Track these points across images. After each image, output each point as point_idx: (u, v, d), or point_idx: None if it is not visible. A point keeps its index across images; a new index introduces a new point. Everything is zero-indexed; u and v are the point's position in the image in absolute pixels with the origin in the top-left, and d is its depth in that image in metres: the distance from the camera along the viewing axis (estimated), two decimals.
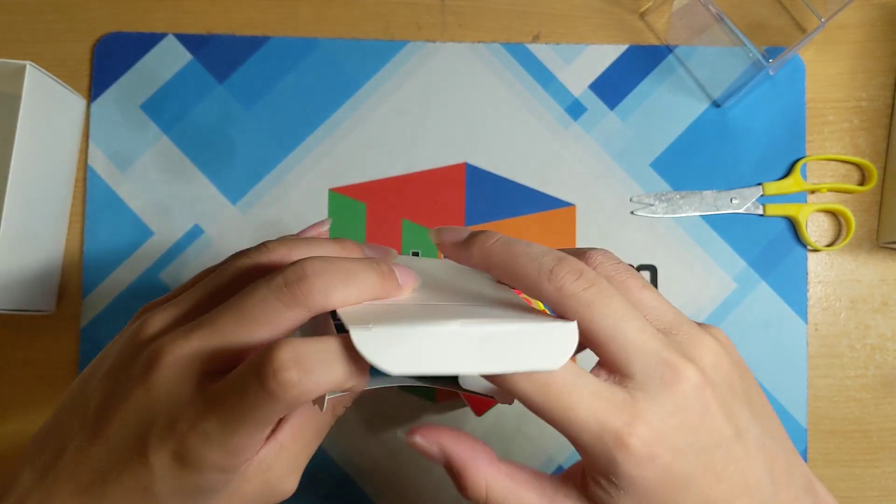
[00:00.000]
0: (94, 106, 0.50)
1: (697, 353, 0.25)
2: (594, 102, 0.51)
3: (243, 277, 0.27)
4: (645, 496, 0.24)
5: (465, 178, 0.50)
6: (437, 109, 0.50)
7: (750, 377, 0.27)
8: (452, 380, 0.29)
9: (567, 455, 0.48)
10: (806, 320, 0.49)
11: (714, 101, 0.50)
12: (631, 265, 0.49)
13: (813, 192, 0.50)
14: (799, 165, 0.50)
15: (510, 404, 0.29)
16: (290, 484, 0.28)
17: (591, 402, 0.23)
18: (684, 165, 0.50)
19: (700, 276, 0.49)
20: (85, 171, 0.50)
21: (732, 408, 0.25)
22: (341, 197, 0.50)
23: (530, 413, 0.24)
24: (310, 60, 0.51)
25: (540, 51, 0.51)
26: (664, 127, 0.50)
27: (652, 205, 0.50)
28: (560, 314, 0.25)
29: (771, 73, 0.45)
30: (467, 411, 0.48)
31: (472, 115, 0.50)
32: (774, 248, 0.50)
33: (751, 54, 0.44)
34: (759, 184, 0.50)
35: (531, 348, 0.23)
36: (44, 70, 0.45)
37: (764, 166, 0.50)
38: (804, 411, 0.48)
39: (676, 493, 0.24)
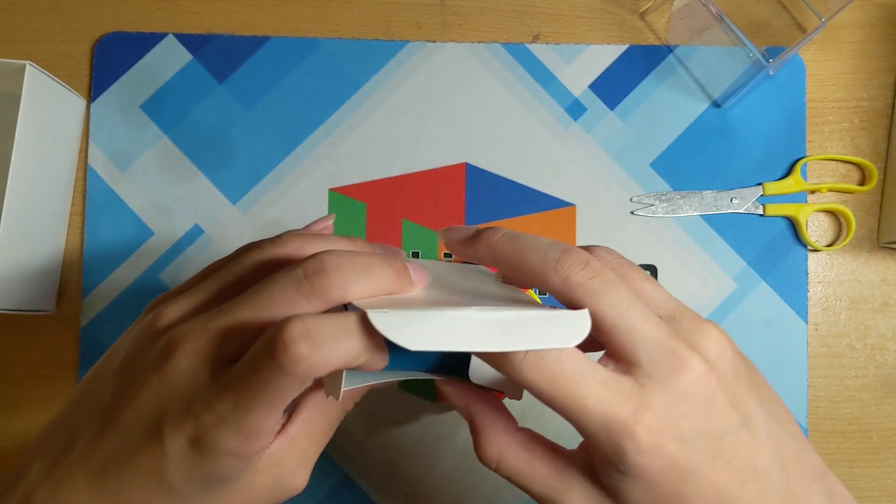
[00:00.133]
0: (94, 106, 0.50)
1: (702, 341, 0.25)
2: (594, 102, 0.51)
3: (259, 270, 0.27)
4: (652, 484, 0.24)
5: (465, 178, 0.50)
6: (437, 109, 0.50)
7: (753, 367, 0.27)
8: (461, 373, 0.29)
9: None
10: (806, 320, 0.49)
11: (714, 101, 0.50)
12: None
13: (813, 192, 0.50)
14: (799, 165, 0.50)
15: (519, 399, 0.30)
16: (301, 479, 0.28)
17: (599, 392, 0.23)
18: (684, 165, 0.50)
19: (700, 276, 0.49)
20: (85, 171, 0.50)
21: (739, 395, 0.25)
22: (341, 197, 0.50)
23: (529, 410, 0.24)
24: (310, 60, 0.51)
25: (540, 51, 0.51)
26: (664, 127, 0.50)
27: (652, 205, 0.50)
28: (567, 304, 0.25)
29: (771, 73, 0.45)
30: None
31: (472, 115, 0.50)
32: (774, 248, 0.50)
33: (751, 54, 0.44)
34: (759, 184, 0.50)
35: (546, 330, 0.23)
36: (44, 70, 0.45)
37: (764, 166, 0.50)
38: (804, 411, 0.48)
39: (683, 481, 0.24)
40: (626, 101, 0.51)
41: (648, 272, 0.49)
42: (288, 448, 0.27)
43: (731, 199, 0.50)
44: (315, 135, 0.50)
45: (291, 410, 0.28)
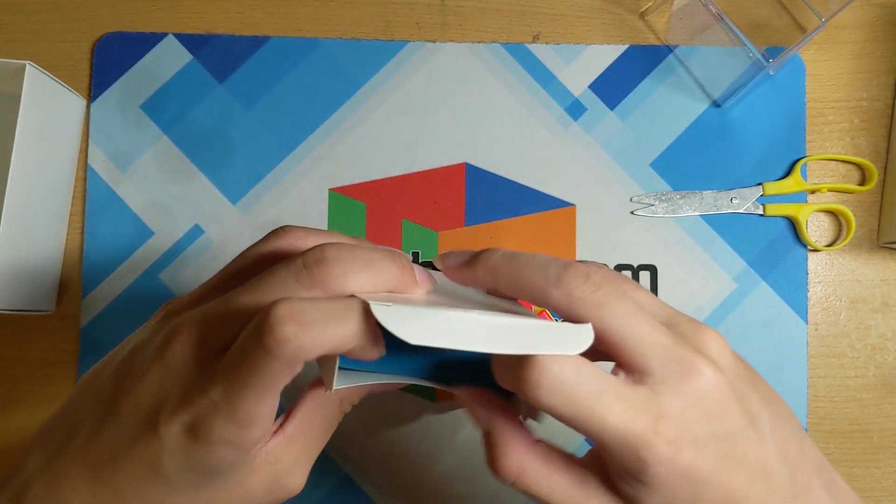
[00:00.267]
0: (94, 106, 0.50)
1: (704, 344, 0.25)
2: (594, 102, 0.51)
3: (260, 262, 0.27)
4: (669, 490, 0.24)
5: (465, 178, 0.50)
6: (437, 109, 0.50)
7: (749, 365, 0.28)
8: (473, 382, 0.28)
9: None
10: (806, 320, 0.49)
11: (714, 101, 0.50)
12: (631, 265, 0.49)
13: (813, 192, 0.50)
14: (799, 165, 0.50)
15: (536, 420, 0.28)
16: (299, 479, 0.28)
17: (618, 408, 0.23)
18: (684, 165, 0.50)
19: (700, 276, 0.49)
20: (85, 171, 0.50)
21: (744, 395, 0.25)
22: (341, 197, 0.50)
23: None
24: (310, 60, 0.51)
25: (540, 51, 0.51)
26: (664, 127, 0.50)
27: (652, 205, 0.50)
28: (570, 320, 0.25)
29: (771, 73, 0.45)
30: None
31: (472, 115, 0.50)
32: (774, 248, 0.50)
33: (751, 54, 0.44)
34: (759, 184, 0.50)
35: (551, 336, 0.23)
36: (44, 70, 0.45)
37: (764, 166, 0.50)
38: (804, 411, 0.48)
39: (699, 485, 0.24)
40: (626, 101, 0.51)
41: (648, 273, 0.49)
42: (285, 446, 0.27)
43: (731, 199, 0.50)
44: (315, 135, 0.50)
45: (289, 409, 0.28)
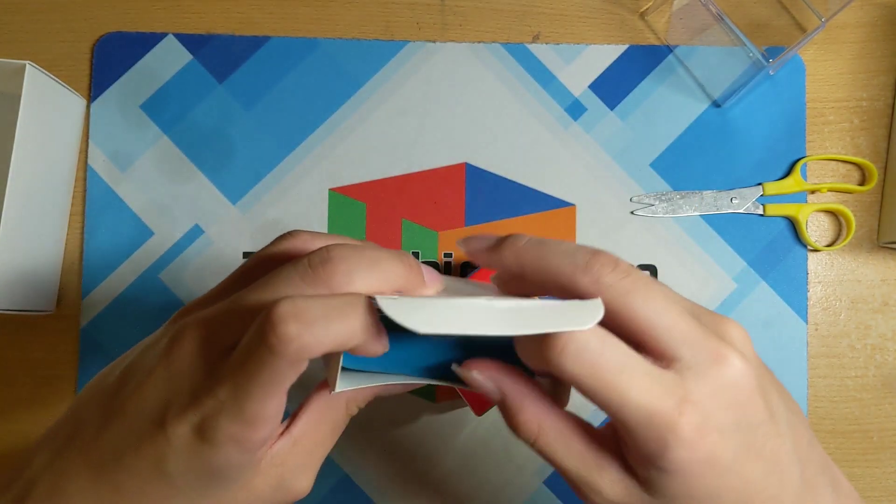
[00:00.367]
0: (94, 106, 0.50)
1: (728, 335, 0.25)
2: (594, 102, 0.51)
3: (267, 263, 0.27)
4: (689, 477, 0.24)
5: (465, 178, 0.50)
6: (437, 109, 0.50)
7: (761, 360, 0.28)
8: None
9: None
10: (806, 320, 0.49)
11: (714, 101, 0.50)
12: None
13: (813, 192, 0.50)
14: (799, 165, 0.50)
15: (559, 403, 0.28)
16: (305, 482, 0.28)
17: (643, 383, 0.23)
18: (684, 165, 0.50)
19: (700, 276, 0.49)
20: (85, 171, 0.50)
21: (765, 387, 0.25)
22: (341, 197, 0.50)
23: None
24: (310, 60, 0.51)
25: (540, 51, 0.51)
26: (664, 127, 0.50)
27: (652, 205, 0.50)
28: None
29: (771, 73, 0.45)
30: (467, 411, 0.48)
31: (472, 115, 0.50)
32: (774, 248, 0.50)
33: (751, 54, 0.44)
34: (759, 184, 0.50)
35: (560, 315, 0.23)
36: (44, 70, 0.45)
37: (764, 166, 0.50)
38: (804, 411, 0.48)
39: (719, 474, 0.24)
40: (626, 101, 0.51)
41: (648, 273, 0.49)
42: (291, 449, 0.27)
43: (731, 199, 0.50)
44: (315, 135, 0.50)
45: (295, 412, 0.28)
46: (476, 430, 0.48)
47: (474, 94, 0.51)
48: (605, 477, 0.25)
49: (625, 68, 0.51)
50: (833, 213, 0.50)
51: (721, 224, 0.50)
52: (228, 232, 0.50)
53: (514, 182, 0.50)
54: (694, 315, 0.26)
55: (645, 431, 0.23)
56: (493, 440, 0.48)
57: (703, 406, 0.23)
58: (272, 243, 0.28)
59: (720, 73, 0.49)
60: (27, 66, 0.43)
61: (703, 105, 0.50)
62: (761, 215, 0.50)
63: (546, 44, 0.51)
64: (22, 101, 0.43)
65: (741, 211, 0.49)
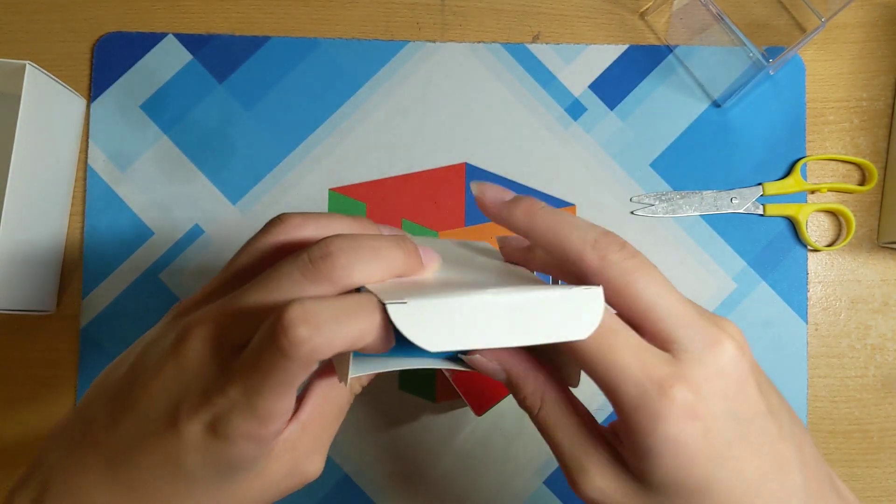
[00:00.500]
0: (94, 106, 0.50)
1: (727, 328, 0.26)
2: (594, 102, 0.51)
3: (266, 257, 0.27)
4: (679, 462, 0.23)
5: (465, 178, 0.50)
6: (437, 109, 0.50)
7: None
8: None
9: None
10: (806, 320, 0.49)
11: (714, 101, 0.50)
12: None
13: (813, 192, 0.50)
14: (799, 165, 0.50)
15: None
16: (316, 464, 0.28)
17: (636, 351, 0.23)
18: (684, 165, 0.50)
19: (700, 276, 0.49)
20: (85, 171, 0.50)
21: (763, 384, 0.25)
22: (341, 197, 0.50)
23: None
24: (310, 60, 0.51)
25: (540, 51, 0.51)
26: (664, 127, 0.50)
27: (652, 205, 0.50)
28: (601, 283, 0.25)
29: (771, 72, 0.45)
30: (467, 411, 0.48)
31: (472, 115, 0.50)
32: (774, 248, 0.50)
33: (751, 54, 0.44)
34: (759, 184, 0.50)
35: (563, 316, 0.23)
36: (43, 70, 0.45)
37: (764, 166, 0.50)
38: (804, 411, 0.48)
39: (712, 464, 0.24)
40: (626, 101, 0.51)
41: None
42: (301, 433, 0.27)
43: (731, 199, 0.50)
44: (315, 135, 0.50)
45: (301, 396, 0.28)
46: (476, 430, 0.48)
47: (474, 94, 0.51)
48: (593, 458, 0.26)
49: (625, 68, 0.51)
50: (833, 213, 0.50)
51: (721, 224, 0.50)
52: (228, 232, 0.49)
53: (515, 182, 0.50)
54: (695, 307, 0.26)
55: (636, 401, 0.23)
56: (492, 440, 0.48)
57: (697, 386, 0.23)
58: (263, 232, 0.28)
59: (720, 73, 0.49)
60: (27, 66, 0.43)
61: (703, 105, 0.50)
62: (761, 215, 0.50)
63: (546, 44, 0.51)
64: (22, 101, 0.43)
65: (741, 211, 0.49)
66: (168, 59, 0.50)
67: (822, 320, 0.49)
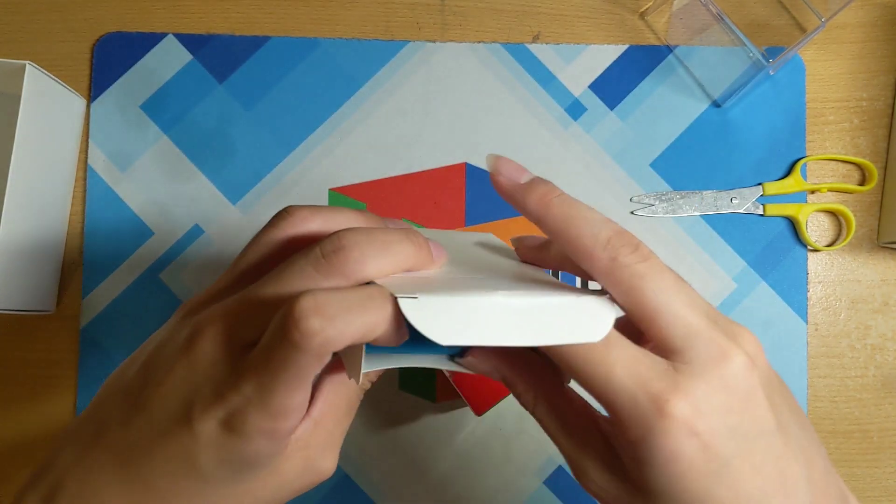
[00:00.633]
0: (94, 106, 0.50)
1: (740, 339, 0.24)
2: (594, 102, 0.51)
3: (275, 252, 0.27)
4: (673, 474, 0.23)
5: (465, 178, 0.50)
6: (437, 109, 0.50)
7: (780, 377, 0.27)
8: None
9: None
10: (806, 320, 0.49)
11: (714, 101, 0.50)
12: None
13: (813, 192, 0.50)
14: (799, 165, 0.50)
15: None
16: (329, 461, 0.28)
17: (631, 363, 0.23)
18: (684, 165, 0.50)
19: (700, 276, 0.49)
20: (85, 171, 0.50)
21: (775, 399, 0.24)
22: (341, 197, 0.50)
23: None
24: (310, 60, 0.51)
25: (540, 51, 0.51)
26: (664, 127, 0.50)
27: (652, 205, 0.50)
28: (608, 284, 0.24)
29: (771, 72, 0.45)
30: (467, 411, 0.48)
31: (472, 115, 0.50)
32: (774, 248, 0.50)
33: (751, 54, 0.44)
34: (759, 184, 0.50)
35: (572, 321, 0.23)
36: (43, 70, 0.45)
37: (764, 166, 0.50)
38: (804, 411, 0.48)
39: (709, 480, 0.23)
40: (626, 101, 0.51)
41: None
42: (313, 431, 0.27)
43: (731, 199, 0.50)
44: (315, 135, 0.50)
45: (311, 394, 0.28)
46: (476, 430, 0.48)
47: (474, 94, 0.51)
48: (591, 457, 0.25)
49: (625, 68, 0.51)
50: (833, 213, 0.50)
51: (721, 224, 0.50)
52: (228, 232, 0.49)
53: None
54: (708, 315, 0.25)
55: (630, 412, 0.23)
56: (492, 440, 0.48)
57: (697, 401, 0.23)
58: (270, 225, 0.27)
59: (720, 73, 0.49)
60: (27, 66, 0.43)
61: (703, 105, 0.50)
62: (761, 215, 0.50)
63: (546, 44, 0.51)
64: (22, 101, 0.43)
65: (741, 211, 0.49)
66: (168, 59, 0.50)
67: (822, 320, 0.49)
